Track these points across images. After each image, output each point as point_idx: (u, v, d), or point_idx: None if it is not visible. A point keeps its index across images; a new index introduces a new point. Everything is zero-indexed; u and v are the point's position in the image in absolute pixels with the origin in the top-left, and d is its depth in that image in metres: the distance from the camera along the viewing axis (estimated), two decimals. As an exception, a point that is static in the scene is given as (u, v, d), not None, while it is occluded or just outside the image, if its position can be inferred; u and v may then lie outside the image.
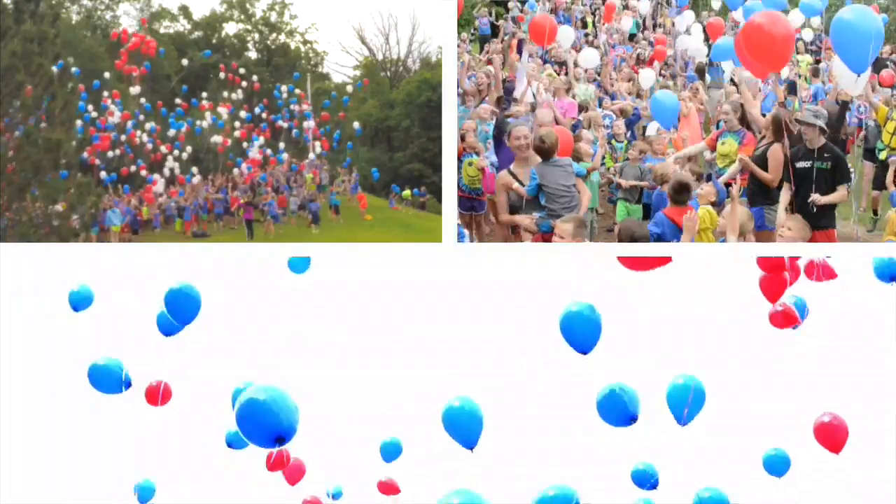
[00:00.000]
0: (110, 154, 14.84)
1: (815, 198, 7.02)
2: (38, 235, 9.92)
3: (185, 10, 17.66)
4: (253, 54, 17.25)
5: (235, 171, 15.09)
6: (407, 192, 14.61)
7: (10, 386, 6.94)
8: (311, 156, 15.86)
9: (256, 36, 17.73)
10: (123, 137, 15.16)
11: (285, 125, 16.34)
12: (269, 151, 15.86)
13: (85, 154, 14.03)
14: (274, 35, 17.87)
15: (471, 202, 8.35)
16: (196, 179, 14.99)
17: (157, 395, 6.11)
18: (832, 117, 7.75)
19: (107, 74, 15.27)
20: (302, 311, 7.15)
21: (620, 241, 6.36)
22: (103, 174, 14.51)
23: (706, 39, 14.80)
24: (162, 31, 17.22)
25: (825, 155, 7.09)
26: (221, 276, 7.04)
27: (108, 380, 5.75)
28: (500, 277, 6.91)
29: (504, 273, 6.90)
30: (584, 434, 6.84)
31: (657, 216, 7.06)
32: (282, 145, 16.12)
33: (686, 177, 7.33)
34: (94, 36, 15.94)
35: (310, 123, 16.04)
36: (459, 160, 8.25)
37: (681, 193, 6.86)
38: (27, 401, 6.97)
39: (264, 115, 16.44)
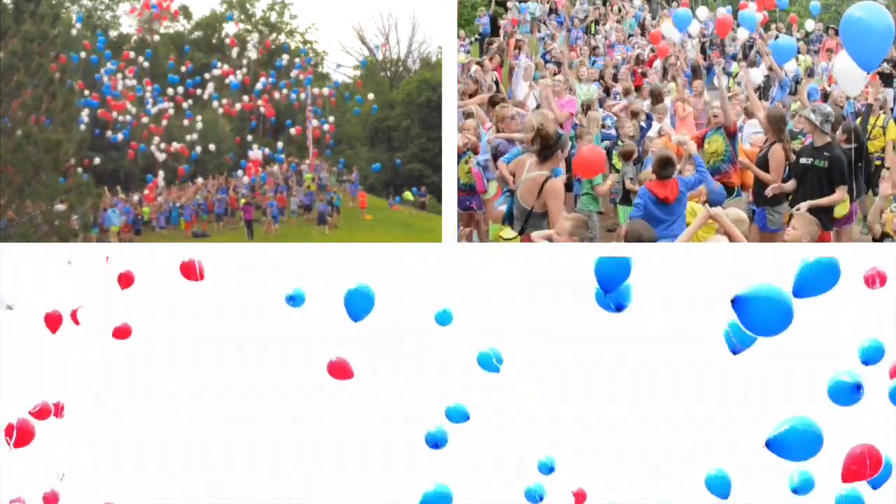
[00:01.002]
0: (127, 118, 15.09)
1: (802, 206, 7.02)
2: (37, 235, 9.92)
3: (185, 10, 17.65)
4: (253, 54, 17.23)
5: (239, 172, 15.11)
6: (408, 194, 14.58)
7: (10, 387, 6.94)
8: (313, 122, 15.90)
9: (256, 36, 17.71)
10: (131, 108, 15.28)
11: (287, 93, 16.39)
12: (267, 150, 15.86)
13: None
14: (274, 35, 17.85)
15: (468, 200, 8.36)
16: (198, 181, 15.05)
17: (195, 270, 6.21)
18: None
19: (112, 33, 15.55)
20: (301, 311, 7.14)
21: (627, 242, 6.36)
22: (119, 135, 14.70)
23: (713, 40, 14.81)
24: (162, 30, 17.21)
25: (825, 154, 7.13)
26: (221, 276, 7.04)
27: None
28: (500, 277, 6.91)
29: (504, 273, 6.90)
30: (584, 434, 6.83)
31: (641, 189, 7.20)
32: (280, 144, 16.11)
33: (669, 151, 7.41)
34: (94, 36, 15.92)
35: (321, 91, 16.11)
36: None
37: (665, 168, 6.97)
38: (25, 401, 6.96)
39: (269, 86, 16.53)
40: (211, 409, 7.07)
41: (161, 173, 15.05)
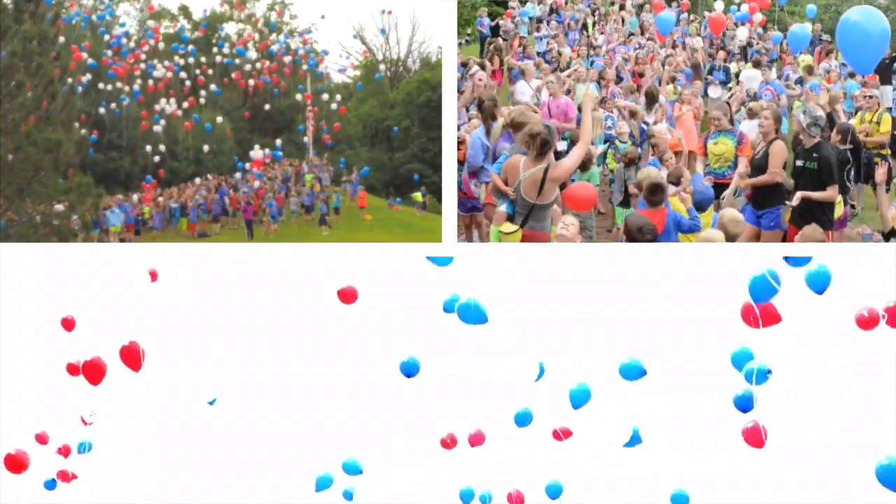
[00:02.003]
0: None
1: (794, 198, 7.18)
2: (37, 235, 9.92)
3: (185, 10, 17.65)
4: (253, 54, 17.23)
5: (237, 175, 15.12)
6: (417, 195, 14.52)
7: (9, 386, 6.94)
8: (324, 96, 15.95)
9: (257, 36, 17.72)
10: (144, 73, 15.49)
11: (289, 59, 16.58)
12: (266, 150, 15.88)
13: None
14: (274, 35, 17.85)
15: (471, 203, 8.35)
16: (197, 181, 15.06)
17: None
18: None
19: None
20: (302, 311, 7.15)
21: (628, 231, 6.41)
22: (128, 98, 14.96)
23: (712, 41, 14.84)
24: (162, 31, 17.20)
25: (814, 155, 7.25)
26: (221, 276, 7.05)
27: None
28: (500, 277, 6.91)
29: (504, 273, 6.91)
30: (583, 433, 6.83)
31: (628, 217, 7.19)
32: (278, 142, 16.11)
33: (660, 178, 7.41)
34: (94, 35, 15.94)
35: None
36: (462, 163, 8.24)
37: (655, 195, 6.96)
38: (24, 401, 6.97)
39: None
40: (210, 407, 7.07)
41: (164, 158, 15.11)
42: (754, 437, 5.75)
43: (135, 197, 14.15)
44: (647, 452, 6.63)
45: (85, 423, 6.53)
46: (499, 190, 6.88)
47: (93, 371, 6.24)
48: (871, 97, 9.89)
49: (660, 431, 6.75)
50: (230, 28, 17.65)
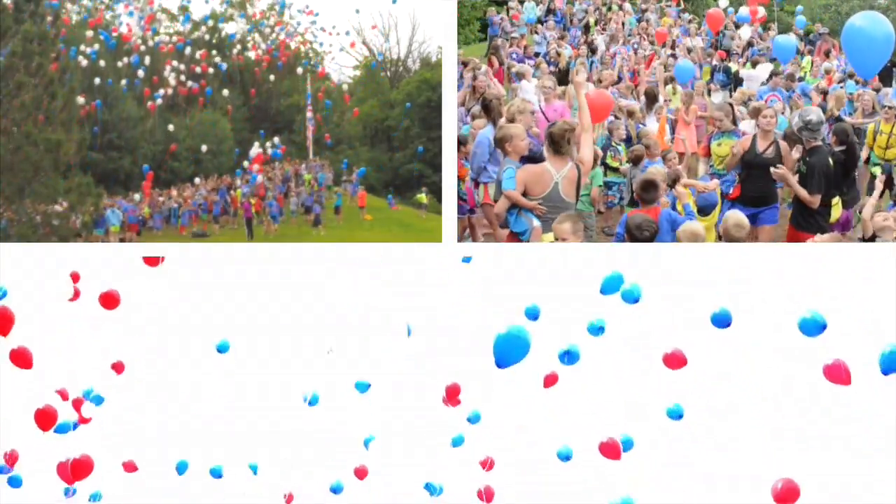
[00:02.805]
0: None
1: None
2: (37, 235, 9.92)
3: (185, 11, 17.64)
4: (253, 54, 17.25)
5: (236, 177, 15.13)
6: (421, 197, 14.50)
7: (10, 387, 6.94)
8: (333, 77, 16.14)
9: (257, 36, 17.73)
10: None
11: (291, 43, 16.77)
12: (268, 144, 15.90)
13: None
14: (274, 35, 17.86)
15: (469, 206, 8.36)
16: (197, 180, 15.06)
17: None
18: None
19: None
20: (302, 311, 7.15)
21: (628, 230, 6.48)
22: (140, 72, 15.02)
23: (708, 39, 14.84)
24: (162, 31, 17.20)
25: (807, 159, 7.25)
26: (221, 277, 7.06)
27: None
28: (500, 277, 6.92)
29: (504, 273, 6.92)
30: (583, 432, 6.84)
31: (623, 217, 7.16)
32: (277, 139, 16.13)
33: (653, 174, 7.39)
34: (94, 35, 15.93)
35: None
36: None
37: (648, 192, 6.95)
38: (23, 401, 6.97)
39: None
40: (209, 406, 7.09)
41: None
42: (674, 361, 5.86)
43: (136, 196, 14.14)
44: (646, 452, 6.64)
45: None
46: (519, 206, 6.64)
47: (108, 300, 6.50)
48: (890, 108, 9.33)
49: (659, 430, 6.76)
50: (230, 28, 17.69)
